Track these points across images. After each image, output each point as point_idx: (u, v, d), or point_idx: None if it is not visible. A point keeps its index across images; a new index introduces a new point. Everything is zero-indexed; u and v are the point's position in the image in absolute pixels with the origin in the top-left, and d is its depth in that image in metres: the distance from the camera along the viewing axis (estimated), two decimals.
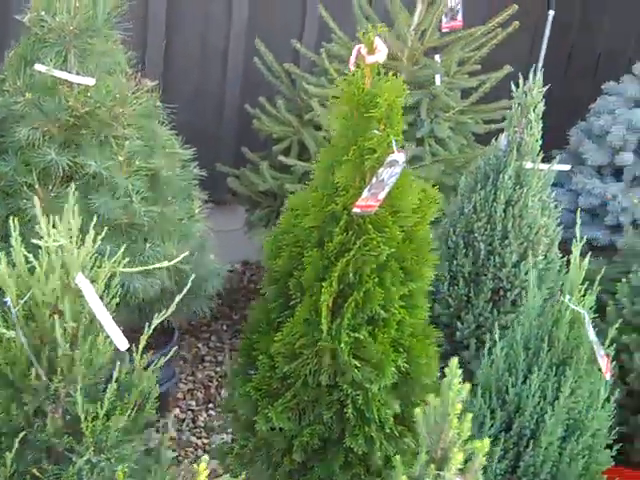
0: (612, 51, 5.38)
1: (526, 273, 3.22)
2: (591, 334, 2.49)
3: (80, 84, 2.89)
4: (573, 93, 5.21)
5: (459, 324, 3.29)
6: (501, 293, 3.28)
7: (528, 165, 3.23)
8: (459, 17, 3.92)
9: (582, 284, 2.49)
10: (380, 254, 2.29)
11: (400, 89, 2.20)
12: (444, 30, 3.94)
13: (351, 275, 2.28)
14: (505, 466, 2.59)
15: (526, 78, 3.31)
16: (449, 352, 3.32)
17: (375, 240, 2.27)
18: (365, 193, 2.21)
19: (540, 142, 3.26)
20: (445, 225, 3.39)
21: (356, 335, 2.31)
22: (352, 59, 2.21)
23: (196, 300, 3.45)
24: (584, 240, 2.50)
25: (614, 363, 3.14)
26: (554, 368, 2.55)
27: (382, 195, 2.18)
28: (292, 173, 3.86)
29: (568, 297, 2.50)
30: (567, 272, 2.52)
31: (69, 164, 2.90)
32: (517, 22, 3.93)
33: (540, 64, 5.26)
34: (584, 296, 2.53)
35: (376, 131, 2.21)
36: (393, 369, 2.40)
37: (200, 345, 4.26)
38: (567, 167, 3.42)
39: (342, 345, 2.29)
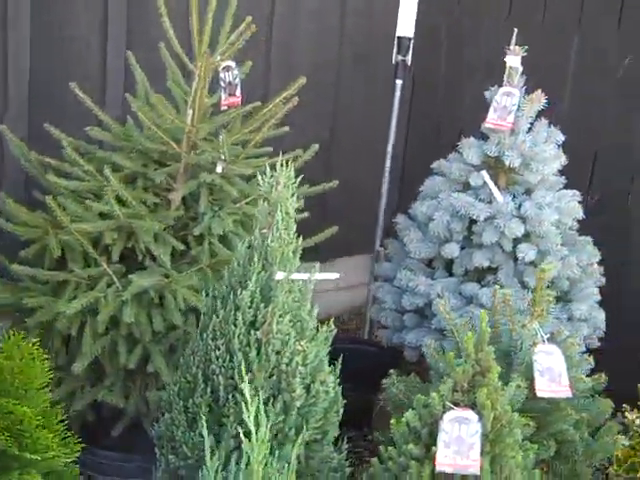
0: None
1: (278, 415, 2.57)
2: None
3: None
4: None
5: None
6: None
7: (278, 276, 2.60)
8: (237, 92, 3.32)
9: None
10: None
11: None
12: (223, 107, 3.34)
13: None
14: None
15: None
16: None
17: None
18: None
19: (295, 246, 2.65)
20: (186, 353, 2.74)
21: None
22: None
23: None
24: None
25: None
26: None
27: None
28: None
29: None
30: None
31: None
32: (297, 98, 3.32)
33: (391, 139, 4.77)
34: None
35: None
36: None
37: None
38: (334, 276, 2.78)
39: None
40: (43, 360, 1.84)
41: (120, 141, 3.36)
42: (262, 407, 2.06)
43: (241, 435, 2.17)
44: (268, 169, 2.63)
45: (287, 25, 4.36)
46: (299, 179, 2.63)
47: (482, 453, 2.35)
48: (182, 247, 3.24)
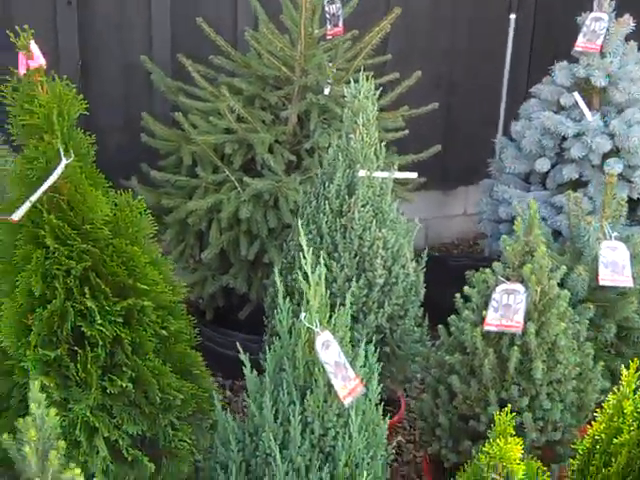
0: None
1: (362, 290, 3.01)
2: (323, 355, 2.27)
3: None
4: None
5: None
6: None
7: (360, 173, 3.02)
8: (340, 23, 3.74)
9: None
10: (70, 268, 2.18)
11: (66, 95, 2.10)
12: (328, 37, 3.77)
13: (38, 289, 2.18)
14: None
15: None
16: None
17: (57, 253, 2.17)
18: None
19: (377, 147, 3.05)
20: (288, 239, 3.22)
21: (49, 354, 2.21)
22: (20, 65, 2.13)
23: None
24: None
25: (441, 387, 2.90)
26: (297, 393, 2.35)
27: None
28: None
29: (304, 315, 2.30)
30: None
31: None
32: (389, 26, 3.69)
33: (507, 64, 5.01)
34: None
35: None
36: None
37: None
38: (413, 175, 3.17)
39: (29, 364, 2.19)
40: (148, 215, 2.32)
41: (241, 68, 3.86)
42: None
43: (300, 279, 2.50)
44: (352, 83, 3.04)
45: None
46: (378, 93, 3.02)
47: (529, 320, 2.70)
48: (293, 158, 3.71)
